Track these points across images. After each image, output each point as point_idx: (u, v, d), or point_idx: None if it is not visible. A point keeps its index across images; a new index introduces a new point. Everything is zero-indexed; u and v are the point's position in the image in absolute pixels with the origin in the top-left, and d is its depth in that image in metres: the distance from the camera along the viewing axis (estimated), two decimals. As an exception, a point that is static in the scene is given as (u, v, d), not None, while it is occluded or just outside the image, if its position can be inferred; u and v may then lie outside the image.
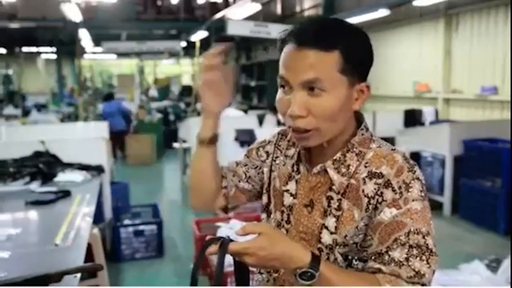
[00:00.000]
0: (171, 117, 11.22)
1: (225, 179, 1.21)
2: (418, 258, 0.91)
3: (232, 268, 1.01)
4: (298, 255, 0.90)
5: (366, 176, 0.98)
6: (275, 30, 7.98)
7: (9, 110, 11.32)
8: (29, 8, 11.91)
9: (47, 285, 1.40)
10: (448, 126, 5.49)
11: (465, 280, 2.93)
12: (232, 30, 8.04)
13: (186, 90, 15.04)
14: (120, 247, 4.10)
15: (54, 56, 16.99)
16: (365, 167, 1.00)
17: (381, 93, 8.76)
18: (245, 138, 4.96)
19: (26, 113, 10.74)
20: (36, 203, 2.75)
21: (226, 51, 1.10)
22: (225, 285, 2.80)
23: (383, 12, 7.00)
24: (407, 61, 8.59)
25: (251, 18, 9.89)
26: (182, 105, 12.78)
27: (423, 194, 0.96)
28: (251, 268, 0.98)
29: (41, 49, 16.81)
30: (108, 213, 4.14)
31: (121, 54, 16.51)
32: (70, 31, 12.00)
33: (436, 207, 5.29)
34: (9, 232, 2.16)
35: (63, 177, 3.39)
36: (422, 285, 0.90)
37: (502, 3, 6.57)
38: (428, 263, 0.91)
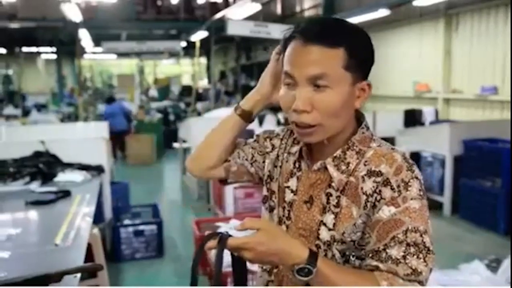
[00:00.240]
0: (171, 117, 11.23)
1: (231, 153, 1.23)
2: (415, 256, 0.91)
3: (230, 269, 1.01)
4: (296, 251, 0.90)
5: (365, 174, 0.99)
6: (275, 30, 7.98)
7: (9, 110, 11.33)
8: (29, 8, 11.91)
9: (47, 285, 1.40)
10: (448, 126, 5.50)
11: (465, 280, 2.93)
12: (232, 30, 8.04)
13: (186, 90, 15.05)
14: (120, 247, 4.10)
15: (54, 56, 16.99)
16: (365, 165, 1.01)
17: (381, 93, 8.76)
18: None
19: (26, 113, 10.74)
20: (36, 203, 2.75)
21: None
22: (225, 285, 2.80)
23: (383, 12, 7.00)
24: (407, 61, 8.60)
25: (251, 18, 9.89)
26: (182, 105, 12.78)
27: (421, 193, 0.96)
28: (253, 267, 0.98)
29: (41, 49, 16.81)
30: (108, 213, 4.14)
31: (121, 54, 16.52)
32: (70, 31, 12.01)
33: (436, 207, 5.29)
34: (9, 232, 2.16)
35: (63, 177, 3.39)
36: (419, 282, 0.91)
37: (502, 3, 6.57)
38: (425, 261, 0.92)
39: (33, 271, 1.44)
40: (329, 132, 1.01)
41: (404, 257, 0.91)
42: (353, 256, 1.00)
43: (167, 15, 14.44)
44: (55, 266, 1.64)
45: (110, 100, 9.73)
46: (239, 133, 1.23)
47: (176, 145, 7.70)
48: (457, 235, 4.75)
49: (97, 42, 13.05)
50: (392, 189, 0.95)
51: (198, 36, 11.73)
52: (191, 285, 0.99)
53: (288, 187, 1.11)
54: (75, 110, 11.62)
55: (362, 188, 0.99)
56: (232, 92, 14.71)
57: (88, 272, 2.65)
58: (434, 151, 5.53)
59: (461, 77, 7.53)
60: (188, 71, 20.22)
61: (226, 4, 13.16)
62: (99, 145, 3.99)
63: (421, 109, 7.16)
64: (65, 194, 2.92)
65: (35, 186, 3.19)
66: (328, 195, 1.03)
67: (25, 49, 16.36)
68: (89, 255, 2.62)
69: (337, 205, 1.01)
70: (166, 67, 20.74)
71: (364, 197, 0.98)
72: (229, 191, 4.47)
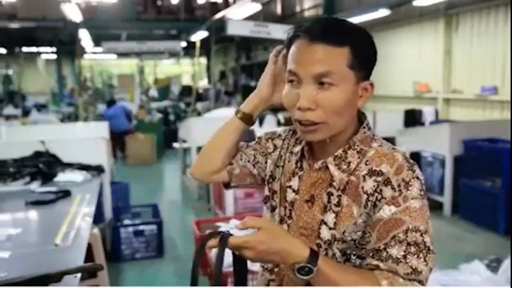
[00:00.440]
0: (171, 117, 11.23)
1: (233, 156, 1.23)
2: (415, 256, 0.92)
3: (231, 269, 1.01)
4: (296, 250, 0.91)
5: (366, 174, 1.00)
6: (275, 30, 7.99)
7: (9, 110, 11.32)
8: (29, 8, 11.91)
9: (47, 285, 1.40)
10: (448, 126, 5.50)
11: (465, 280, 2.93)
12: (232, 30, 8.04)
13: (186, 90, 15.05)
14: (120, 247, 4.10)
15: (54, 56, 17.00)
16: (366, 164, 1.01)
17: (381, 93, 8.76)
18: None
19: (26, 113, 10.74)
20: (36, 203, 2.75)
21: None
22: (225, 285, 2.80)
23: (383, 12, 7.00)
24: (407, 61, 8.60)
25: (251, 18, 9.89)
26: (182, 105, 12.78)
27: (422, 193, 0.97)
28: (254, 267, 0.98)
29: (41, 49, 16.81)
30: (108, 213, 4.14)
31: (121, 54, 16.51)
32: (70, 31, 12.01)
33: (436, 207, 5.29)
34: (9, 232, 2.16)
35: (63, 177, 3.39)
36: (419, 282, 0.91)
37: (502, 3, 6.57)
38: (425, 260, 0.92)
39: (33, 271, 1.44)
40: (332, 130, 1.01)
41: (404, 256, 0.92)
42: (353, 255, 1.01)
43: (167, 15, 14.44)
44: (55, 266, 1.64)
45: (111, 102, 9.82)
46: (241, 136, 1.23)
47: (176, 145, 7.70)
48: (457, 235, 4.75)
49: (97, 42, 13.05)
50: (393, 188, 0.96)
51: (198, 36, 11.73)
52: (192, 284, 0.99)
53: (290, 186, 1.11)
54: (75, 110, 11.62)
55: (363, 187, 0.99)
56: (232, 92, 14.72)
57: (88, 272, 2.65)
58: (434, 151, 5.53)
59: (461, 77, 7.53)
60: (188, 71, 20.22)
61: (226, 4, 13.16)
62: (99, 145, 3.99)
63: (421, 109, 7.17)
64: (65, 194, 2.92)
65: (35, 186, 3.19)
66: (329, 194, 1.03)
67: (25, 49, 16.36)
68: (89, 255, 2.62)
69: (338, 204, 1.01)
70: (166, 67, 20.74)
71: (365, 196, 0.99)
72: (229, 191, 4.47)
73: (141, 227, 4.17)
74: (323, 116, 0.98)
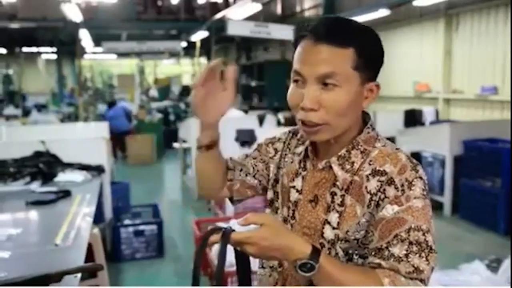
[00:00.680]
0: (171, 117, 11.23)
1: (232, 172, 1.24)
2: (417, 255, 0.92)
3: (232, 268, 1.01)
4: (299, 247, 0.91)
5: (370, 174, 1.00)
6: (275, 30, 7.98)
7: (9, 110, 11.31)
8: (29, 8, 11.91)
9: (47, 285, 1.40)
10: (448, 126, 5.50)
11: (466, 280, 2.93)
12: (232, 30, 8.03)
13: (186, 90, 15.04)
14: (120, 247, 4.11)
15: (55, 56, 17.00)
16: (369, 164, 1.02)
17: (381, 93, 8.56)
18: (245, 138, 4.96)
19: (26, 113, 10.73)
20: (37, 203, 2.75)
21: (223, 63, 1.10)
22: (226, 284, 2.80)
23: (383, 12, 7.00)
24: (408, 61, 8.59)
25: (251, 18, 9.89)
26: (182, 105, 12.77)
27: (425, 192, 0.97)
28: (253, 268, 0.98)
29: (42, 49, 16.81)
30: (108, 213, 4.14)
31: (122, 54, 16.51)
32: (71, 31, 12.01)
33: (436, 207, 5.29)
34: (9, 232, 2.16)
35: (64, 177, 3.39)
36: (421, 281, 0.92)
37: (502, 3, 6.56)
38: (427, 260, 0.92)
39: (34, 271, 1.44)
40: (335, 131, 1.01)
41: (406, 255, 0.92)
42: (356, 255, 1.01)
43: (168, 15, 14.43)
44: (55, 266, 1.64)
45: (111, 104, 9.89)
46: (217, 159, 1.21)
47: (176, 145, 7.71)
48: (457, 235, 4.75)
49: (97, 42, 13.05)
50: (396, 188, 0.96)
51: (199, 36, 11.74)
52: (193, 279, 0.99)
53: (293, 186, 1.12)
54: (75, 110, 11.62)
55: (366, 187, 1.00)
56: (233, 92, 14.69)
57: (89, 272, 2.66)
58: (434, 151, 5.53)
59: (461, 77, 7.53)
60: (189, 71, 20.21)
61: (227, 4, 13.16)
62: (99, 145, 3.99)
63: (421, 109, 7.16)
64: (65, 194, 2.92)
65: (36, 186, 3.19)
66: (333, 194, 1.03)
67: (25, 49, 16.36)
68: (90, 255, 2.62)
69: (342, 204, 1.02)
70: (166, 67, 20.73)
71: (368, 196, 0.99)
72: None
73: (141, 227, 4.17)
74: (326, 117, 0.98)
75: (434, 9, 7.60)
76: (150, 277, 3.88)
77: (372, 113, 6.12)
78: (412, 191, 0.96)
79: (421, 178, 0.98)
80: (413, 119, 6.89)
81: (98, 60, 20.63)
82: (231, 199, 1.27)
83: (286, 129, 1.28)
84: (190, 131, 6.12)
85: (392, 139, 1.09)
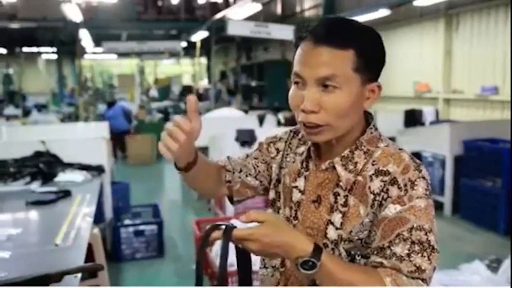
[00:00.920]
0: (172, 117, 11.22)
1: (231, 173, 1.22)
2: (419, 254, 0.92)
3: (233, 268, 1.01)
4: (300, 244, 0.91)
5: (373, 174, 1.01)
6: (276, 30, 7.98)
7: (9, 110, 11.31)
8: (30, 8, 11.91)
9: (47, 285, 1.40)
10: (449, 126, 5.49)
11: (466, 280, 2.93)
12: (233, 30, 8.04)
13: (187, 90, 15.04)
14: (120, 247, 4.10)
15: (55, 56, 16.99)
16: (372, 165, 1.02)
17: (381, 93, 8.73)
18: (245, 138, 4.95)
19: (26, 113, 10.73)
20: (37, 203, 2.75)
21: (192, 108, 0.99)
22: (227, 284, 2.80)
23: (383, 12, 7.00)
24: (408, 61, 8.59)
25: (251, 18, 9.89)
26: (182, 105, 12.77)
27: (427, 192, 0.98)
28: (256, 266, 0.98)
29: (42, 49, 16.81)
30: (108, 213, 4.14)
31: (122, 54, 16.51)
32: (71, 31, 12.01)
33: (436, 207, 5.19)
34: (9, 232, 2.16)
35: (64, 177, 3.39)
36: (423, 280, 0.92)
37: (502, 3, 6.56)
38: (429, 259, 0.92)
39: (34, 271, 1.44)
40: (337, 132, 1.01)
41: (408, 254, 0.92)
42: (358, 255, 1.01)
43: (168, 15, 14.43)
44: (55, 266, 1.64)
45: (111, 104, 9.91)
46: (205, 168, 1.16)
47: (176, 145, 7.69)
48: (457, 235, 4.75)
49: (97, 42, 13.05)
50: (399, 188, 0.97)
51: (199, 36, 11.74)
52: (196, 279, 0.99)
53: (295, 187, 1.11)
54: (76, 110, 11.62)
55: (369, 187, 1.00)
56: (233, 92, 14.71)
57: (89, 272, 2.65)
58: (434, 151, 5.53)
59: (462, 77, 7.53)
60: (189, 71, 20.22)
61: (227, 4, 13.16)
62: (99, 145, 3.99)
63: (421, 109, 7.16)
64: (65, 194, 2.93)
65: (36, 186, 3.20)
66: (336, 194, 1.03)
67: (25, 49, 16.36)
68: (90, 255, 2.62)
69: (345, 204, 1.02)
70: (166, 67, 20.74)
71: (372, 196, 0.99)
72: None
73: (142, 227, 4.17)
74: (326, 118, 0.99)
75: (434, 9, 7.61)
76: (150, 277, 3.88)
77: (372, 113, 6.10)
78: (415, 191, 0.96)
79: (424, 178, 0.98)
80: (413, 119, 6.90)
81: (98, 60, 20.64)
82: (231, 200, 1.27)
83: (286, 128, 1.28)
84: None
85: (392, 139, 1.08)
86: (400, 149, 1.04)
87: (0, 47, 16.01)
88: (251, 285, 1.07)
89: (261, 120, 6.46)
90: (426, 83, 8.21)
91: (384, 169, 0.99)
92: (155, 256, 4.19)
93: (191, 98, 0.98)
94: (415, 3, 6.71)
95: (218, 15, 10.55)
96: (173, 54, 15.39)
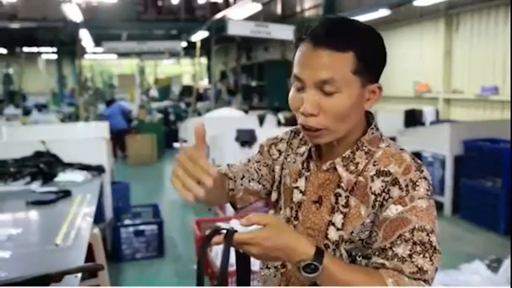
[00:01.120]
0: (172, 117, 11.23)
1: (233, 181, 1.20)
2: (421, 255, 0.92)
3: (232, 268, 1.01)
4: (302, 247, 0.90)
5: (374, 174, 1.00)
6: (276, 30, 7.98)
7: (9, 110, 11.31)
8: (30, 8, 11.91)
9: (48, 285, 1.40)
10: (449, 126, 5.49)
11: (466, 280, 2.93)
12: (233, 30, 8.04)
13: (187, 90, 15.05)
14: (120, 247, 4.11)
15: (55, 56, 16.99)
16: (374, 165, 1.01)
17: (382, 93, 8.74)
18: (245, 138, 4.95)
19: (26, 113, 10.74)
20: (37, 203, 2.75)
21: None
22: (227, 284, 2.80)
23: (383, 12, 7.00)
24: (408, 61, 8.59)
25: (251, 18, 9.89)
26: (182, 105, 12.79)
27: (429, 193, 0.97)
28: (256, 267, 0.98)
29: (42, 49, 16.82)
30: (108, 213, 4.15)
31: (122, 54, 16.52)
32: (71, 31, 12.01)
33: (436, 207, 5.14)
34: (10, 232, 2.16)
35: (64, 177, 3.39)
36: (424, 281, 0.91)
37: (502, 3, 6.56)
38: (431, 260, 0.92)
39: (34, 271, 1.44)
40: (336, 134, 1.01)
41: (410, 255, 0.92)
42: (359, 256, 1.01)
43: (168, 15, 14.44)
44: (55, 266, 1.64)
45: (109, 102, 9.94)
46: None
47: (176, 145, 7.71)
48: (457, 235, 4.75)
49: (97, 42, 13.05)
50: (401, 188, 0.96)
51: (199, 36, 11.74)
52: (197, 283, 0.99)
53: (296, 187, 1.11)
54: (76, 110, 11.63)
55: (371, 188, 0.99)
56: (233, 92, 14.72)
57: (89, 272, 2.66)
58: (434, 151, 5.53)
59: (462, 77, 7.53)
60: (189, 71, 20.22)
61: (227, 4, 13.16)
62: (99, 145, 3.99)
63: (421, 109, 7.16)
64: (65, 194, 2.93)
65: (36, 186, 3.20)
66: (337, 195, 1.03)
67: (25, 49, 16.38)
68: (90, 255, 2.62)
69: (346, 205, 1.01)
70: (166, 67, 20.74)
71: (373, 196, 0.99)
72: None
73: (142, 227, 4.17)
74: (325, 122, 0.98)
75: (434, 9, 7.61)
76: (150, 277, 3.89)
77: (373, 113, 6.10)
78: (416, 192, 0.96)
79: (425, 178, 0.98)
80: (413, 119, 6.90)
81: (99, 60, 20.65)
82: (234, 206, 1.25)
83: (287, 129, 1.27)
84: (190, 131, 6.12)
85: (392, 139, 1.08)
86: (401, 149, 1.04)
87: (0, 47, 16.01)
88: (249, 285, 1.06)
89: (261, 120, 6.47)
90: (426, 83, 8.21)
91: (386, 169, 0.99)
92: (155, 256, 4.19)
93: (199, 127, 0.93)
94: (415, 3, 6.71)
95: (218, 15, 10.56)
96: (173, 54, 15.40)
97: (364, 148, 1.04)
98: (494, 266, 3.16)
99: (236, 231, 0.91)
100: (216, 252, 3.17)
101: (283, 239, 0.90)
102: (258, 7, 9.37)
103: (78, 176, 3.41)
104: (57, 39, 15.22)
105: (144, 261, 4.14)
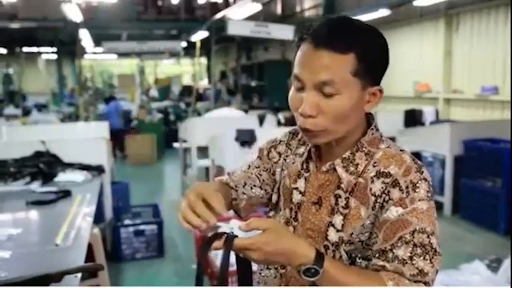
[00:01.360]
0: (172, 117, 11.24)
1: (235, 191, 1.20)
2: (422, 257, 0.91)
3: (233, 268, 1.01)
4: (302, 251, 0.90)
5: (374, 175, 1.00)
6: (276, 30, 7.97)
7: (9, 110, 11.31)
8: (30, 8, 11.91)
9: (48, 285, 1.40)
10: (449, 126, 5.49)
11: (466, 280, 2.93)
12: (233, 30, 8.03)
13: (187, 90, 15.04)
14: (120, 247, 4.11)
15: (55, 56, 16.98)
16: (374, 166, 1.01)
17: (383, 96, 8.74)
18: (245, 138, 4.95)
19: (26, 113, 10.73)
20: (37, 203, 2.75)
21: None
22: (227, 284, 2.80)
23: (383, 12, 7.00)
24: (408, 61, 8.59)
25: (251, 18, 9.88)
26: (182, 105, 12.79)
27: (429, 194, 0.97)
28: (255, 267, 0.98)
29: (42, 49, 16.80)
30: (108, 213, 4.15)
31: (122, 54, 16.50)
32: (71, 31, 12.00)
33: (436, 207, 5.16)
34: (10, 232, 2.16)
35: (64, 177, 3.39)
36: (425, 283, 0.91)
37: (502, 3, 6.56)
38: (431, 262, 0.92)
39: (34, 271, 1.44)
40: (335, 136, 1.01)
41: (410, 257, 0.92)
42: (359, 258, 1.01)
43: (168, 15, 14.43)
44: (55, 266, 1.64)
45: (108, 99, 9.91)
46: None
47: (176, 145, 7.70)
48: (457, 235, 4.75)
49: (97, 42, 13.04)
50: (401, 190, 0.96)
51: (199, 36, 11.73)
52: (196, 283, 0.99)
53: (296, 188, 1.10)
54: (76, 110, 11.62)
55: (371, 189, 0.99)
56: (233, 92, 14.73)
57: (89, 272, 2.66)
58: (434, 151, 5.53)
59: (462, 77, 7.53)
60: (189, 71, 20.22)
61: (227, 4, 13.16)
62: (99, 145, 3.99)
63: (421, 109, 7.16)
64: (65, 194, 2.93)
65: (36, 186, 3.20)
66: (337, 196, 1.03)
67: (25, 49, 16.35)
68: (90, 255, 2.62)
69: (346, 206, 1.01)
70: (166, 67, 20.74)
71: (373, 198, 0.98)
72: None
73: (142, 227, 4.17)
74: (324, 123, 0.98)
75: (434, 9, 7.61)
76: (150, 277, 3.89)
77: (373, 114, 6.11)
78: (416, 193, 0.95)
79: (425, 179, 0.97)
80: (413, 119, 6.89)
81: (98, 60, 20.63)
82: (237, 214, 1.25)
83: (287, 129, 1.27)
84: (190, 131, 6.12)
85: (392, 139, 1.07)
86: (401, 150, 1.03)
87: (0, 47, 16.01)
88: (251, 285, 1.06)
89: (261, 120, 6.45)
90: (426, 83, 8.21)
91: (386, 171, 0.99)
92: (155, 256, 4.19)
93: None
94: (415, 3, 6.71)
95: (218, 15, 10.55)
96: (173, 54, 15.39)
97: (364, 149, 1.03)
98: (494, 266, 3.16)
99: (236, 236, 0.91)
100: (216, 252, 3.17)
101: (283, 243, 0.90)
102: (258, 7, 9.36)
103: (78, 176, 3.42)
104: (57, 39, 15.22)
105: (144, 261, 4.14)
